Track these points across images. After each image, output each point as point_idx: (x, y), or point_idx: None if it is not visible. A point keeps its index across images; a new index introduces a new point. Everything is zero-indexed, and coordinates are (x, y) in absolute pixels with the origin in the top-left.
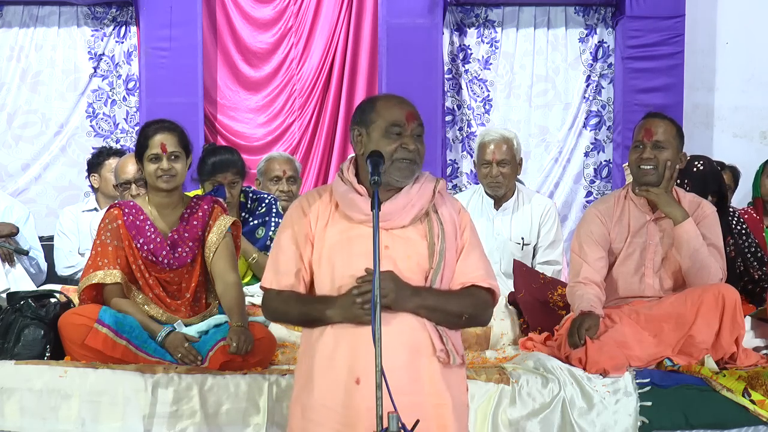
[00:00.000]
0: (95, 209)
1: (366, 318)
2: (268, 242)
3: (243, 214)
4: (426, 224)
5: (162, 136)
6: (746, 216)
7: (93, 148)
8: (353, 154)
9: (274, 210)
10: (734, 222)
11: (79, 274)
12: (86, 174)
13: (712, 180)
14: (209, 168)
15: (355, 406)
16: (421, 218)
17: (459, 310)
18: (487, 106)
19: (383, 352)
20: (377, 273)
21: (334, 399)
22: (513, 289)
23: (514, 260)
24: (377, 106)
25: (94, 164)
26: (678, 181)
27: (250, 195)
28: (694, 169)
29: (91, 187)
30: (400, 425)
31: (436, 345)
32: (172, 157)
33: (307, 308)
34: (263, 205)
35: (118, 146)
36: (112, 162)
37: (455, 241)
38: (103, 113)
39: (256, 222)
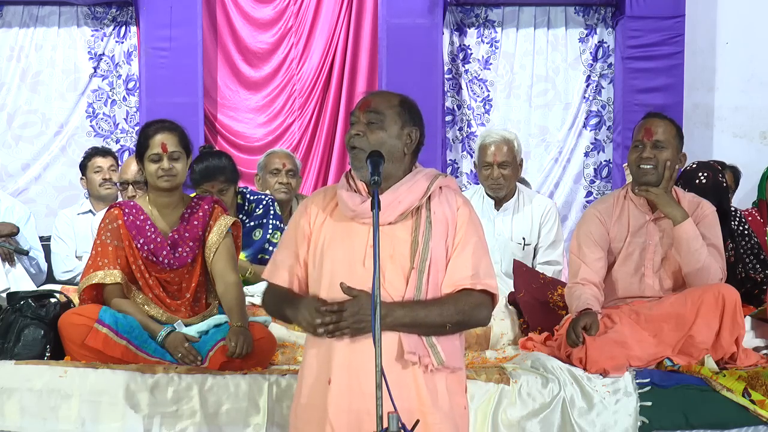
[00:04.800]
0: (90, 211)
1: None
2: (266, 245)
3: (240, 215)
4: (414, 221)
5: (162, 136)
6: (750, 218)
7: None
8: None
9: (272, 212)
10: (736, 223)
11: (77, 277)
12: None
13: (712, 196)
14: (196, 176)
15: (329, 405)
16: (412, 213)
17: (440, 320)
18: (487, 106)
19: (358, 356)
20: (377, 273)
21: (314, 398)
22: (513, 289)
23: (515, 260)
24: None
25: (82, 167)
26: (680, 184)
27: (247, 196)
28: (697, 181)
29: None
30: (399, 425)
31: (405, 347)
32: (173, 157)
33: (283, 306)
34: (260, 206)
35: (118, 146)
36: (97, 161)
37: (445, 240)
38: (103, 113)
39: (253, 224)
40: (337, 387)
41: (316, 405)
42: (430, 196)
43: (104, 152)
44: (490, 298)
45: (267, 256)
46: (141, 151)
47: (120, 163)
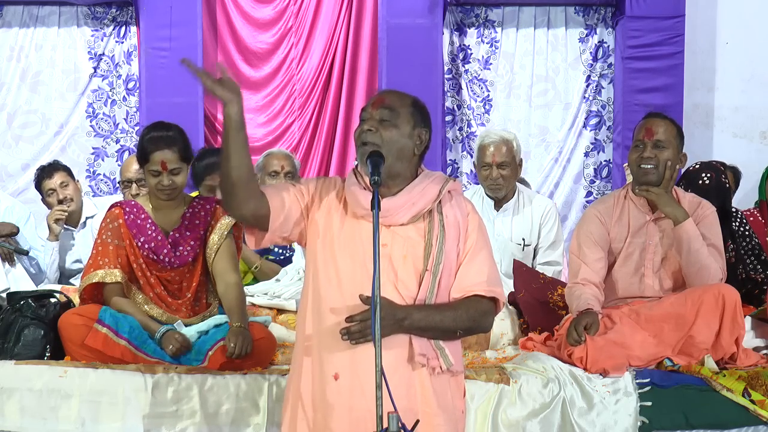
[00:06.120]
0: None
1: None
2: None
3: None
4: (427, 224)
5: (162, 154)
6: (751, 219)
7: (93, 148)
8: None
9: None
10: (737, 224)
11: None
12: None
13: (716, 196)
14: (198, 172)
15: (331, 402)
16: (424, 216)
17: (453, 325)
18: (487, 106)
19: (363, 354)
20: (377, 272)
21: (312, 393)
22: (513, 289)
23: (515, 260)
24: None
25: (38, 191)
26: (682, 184)
27: None
28: (700, 182)
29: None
30: (399, 425)
31: (416, 350)
32: (173, 173)
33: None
34: None
35: (118, 146)
36: (46, 184)
37: (457, 245)
38: (103, 113)
39: None
40: (341, 385)
41: (317, 402)
42: (441, 199)
43: (50, 171)
44: (495, 305)
45: (270, 256)
46: (141, 158)
47: (75, 177)
